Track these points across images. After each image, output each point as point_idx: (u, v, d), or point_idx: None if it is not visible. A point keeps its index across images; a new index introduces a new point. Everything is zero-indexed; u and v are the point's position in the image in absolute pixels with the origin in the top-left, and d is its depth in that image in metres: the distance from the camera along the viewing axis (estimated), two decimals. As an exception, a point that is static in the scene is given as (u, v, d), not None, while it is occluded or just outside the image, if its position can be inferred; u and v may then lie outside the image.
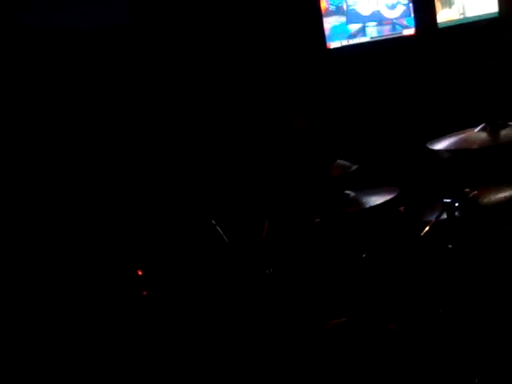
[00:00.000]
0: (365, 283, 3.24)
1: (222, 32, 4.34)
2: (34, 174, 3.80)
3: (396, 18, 4.79)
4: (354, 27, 4.70)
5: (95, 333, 3.35)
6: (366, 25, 4.73)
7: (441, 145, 3.14)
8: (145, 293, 3.33)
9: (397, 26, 4.81)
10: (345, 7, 4.65)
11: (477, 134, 3.06)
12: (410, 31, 4.83)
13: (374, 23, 4.75)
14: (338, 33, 4.66)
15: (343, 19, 4.66)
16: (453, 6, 4.94)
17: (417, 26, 4.82)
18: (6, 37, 3.74)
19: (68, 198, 3.85)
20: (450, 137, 3.16)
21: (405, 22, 4.80)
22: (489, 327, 2.98)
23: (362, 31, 4.73)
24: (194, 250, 3.65)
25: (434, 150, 3.12)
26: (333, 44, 4.65)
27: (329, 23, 4.64)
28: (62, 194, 3.84)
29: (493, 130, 3.03)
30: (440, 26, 4.90)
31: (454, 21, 4.95)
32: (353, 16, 4.69)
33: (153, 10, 4.16)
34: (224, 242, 3.34)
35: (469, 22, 4.96)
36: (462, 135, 3.12)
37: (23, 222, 3.73)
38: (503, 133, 3.00)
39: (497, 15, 4.99)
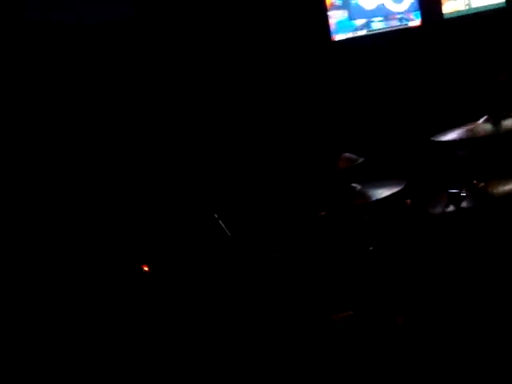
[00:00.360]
0: (372, 276, 3.24)
1: (227, 27, 4.33)
2: (36, 167, 3.82)
3: (402, 13, 4.75)
4: (358, 22, 4.68)
5: (97, 328, 3.36)
6: (372, 20, 4.70)
7: (446, 137, 3.16)
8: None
9: (403, 21, 4.76)
10: (349, 1, 4.63)
11: (481, 125, 3.09)
12: (416, 22, 4.80)
13: (380, 18, 4.71)
14: (343, 26, 4.64)
15: (347, 14, 4.65)
16: (458, -3, 4.90)
17: (422, 17, 4.78)
18: (7, 29, 3.75)
19: (71, 192, 3.86)
20: (455, 129, 3.18)
21: (412, 16, 4.76)
22: (497, 321, 2.97)
23: (367, 25, 4.70)
24: (197, 244, 3.65)
25: (440, 142, 3.14)
26: (338, 36, 4.64)
27: (334, 18, 4.63)
28: (65, 189, 3.85)
29: (496, 121, 3.05)
30: (446, 17, 4.87)
31: (459, 11, 4.91)
32: (356, 11, 4.67)
33: (156, 5, 4.16)
34: (226, 235, 3.35)
35: (475, 13, 4.93)
36: (466, 127, 3.14)
37: (28, 215, 3.75)
38: (506, 123, 3.01)
39: (504, 5, 4.94)
